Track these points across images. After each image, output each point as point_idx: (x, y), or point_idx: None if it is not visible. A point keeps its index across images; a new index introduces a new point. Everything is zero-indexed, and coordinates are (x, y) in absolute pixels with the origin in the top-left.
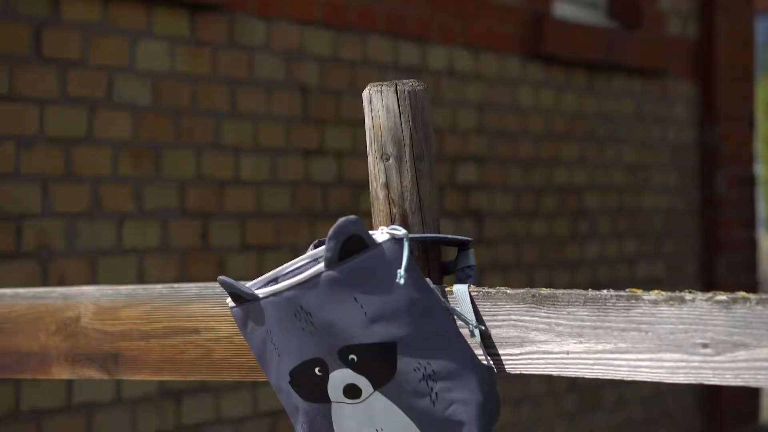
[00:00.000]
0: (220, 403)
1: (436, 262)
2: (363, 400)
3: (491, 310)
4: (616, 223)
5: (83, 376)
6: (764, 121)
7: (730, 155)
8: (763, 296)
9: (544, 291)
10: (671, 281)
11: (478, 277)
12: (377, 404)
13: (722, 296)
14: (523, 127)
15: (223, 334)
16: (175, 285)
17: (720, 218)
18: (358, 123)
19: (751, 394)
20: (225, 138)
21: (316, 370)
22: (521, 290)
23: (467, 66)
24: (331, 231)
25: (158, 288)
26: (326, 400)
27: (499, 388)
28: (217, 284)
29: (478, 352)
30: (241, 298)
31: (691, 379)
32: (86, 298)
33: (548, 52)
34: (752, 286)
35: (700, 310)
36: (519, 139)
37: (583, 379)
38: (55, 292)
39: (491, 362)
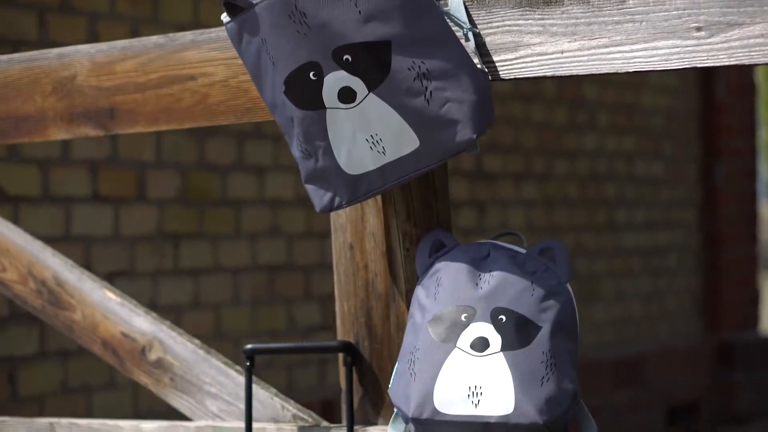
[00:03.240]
0: (217, 251)
1: None
2: (357, 104)
3: (485, 18)
4: (615, 117)
5: (79, 134)
6: (766, 84)
7: None
8: None
9: None
10: (671, 183)
11: None
12: (371, 107)
13: None
14: None
15: (219, 78)
16: (171, 35)
17: (720, 124)
18: None
19: (751, 301)
20: None
21: (311, 74)
22: None
23: None
24: None
25: (153, 39)
26: (321, 106)
27: None
28: (212, 29)
29: (474, 60)
30: (237, 8)
31: (685, 64)
32: (81, 55)
33: None
34: (752, 196)
35: None
36: None
37: (581, 268)
38: (51, 53)
39: (486, 69)
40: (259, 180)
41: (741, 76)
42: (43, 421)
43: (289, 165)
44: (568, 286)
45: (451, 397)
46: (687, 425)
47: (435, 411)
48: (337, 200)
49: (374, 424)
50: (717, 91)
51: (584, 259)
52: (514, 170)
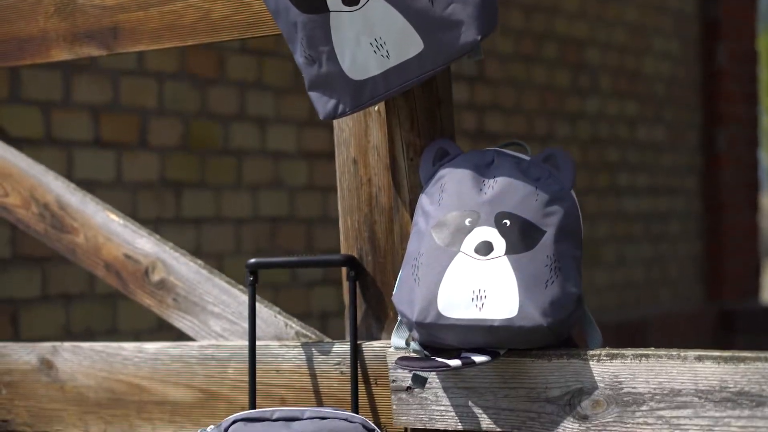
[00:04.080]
0: (220, 201)
1: None
2: (361, 6)
3: None
4: (617, 82)
5: (83, 54)
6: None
7: (731, 28)
8: None
9: None
10: (673, 149)
11: None
12: (375, 9)
13: None
14: None
15: None
16: None
17: (721, 91)
18: None
19: (752, 270)
20: None
21: None
22: None
23: None
24: None
25: None
26: (324, 9)
27: None
28: None
29: None
30: None
31: None
32: None
33: None
34: (753, 164)
35: None
36: None
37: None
38: None
39: None
40: (261, 131)
41: (742, 43)
42: (46, 344)
43: (290, 117)
44: (573, 193)
45: (455, 301)
46: None
47: (439, 315)
48: (341, 107)
49: (378, 338)
50: (718, 58)
51: (586, 222)
52: (516, 132)
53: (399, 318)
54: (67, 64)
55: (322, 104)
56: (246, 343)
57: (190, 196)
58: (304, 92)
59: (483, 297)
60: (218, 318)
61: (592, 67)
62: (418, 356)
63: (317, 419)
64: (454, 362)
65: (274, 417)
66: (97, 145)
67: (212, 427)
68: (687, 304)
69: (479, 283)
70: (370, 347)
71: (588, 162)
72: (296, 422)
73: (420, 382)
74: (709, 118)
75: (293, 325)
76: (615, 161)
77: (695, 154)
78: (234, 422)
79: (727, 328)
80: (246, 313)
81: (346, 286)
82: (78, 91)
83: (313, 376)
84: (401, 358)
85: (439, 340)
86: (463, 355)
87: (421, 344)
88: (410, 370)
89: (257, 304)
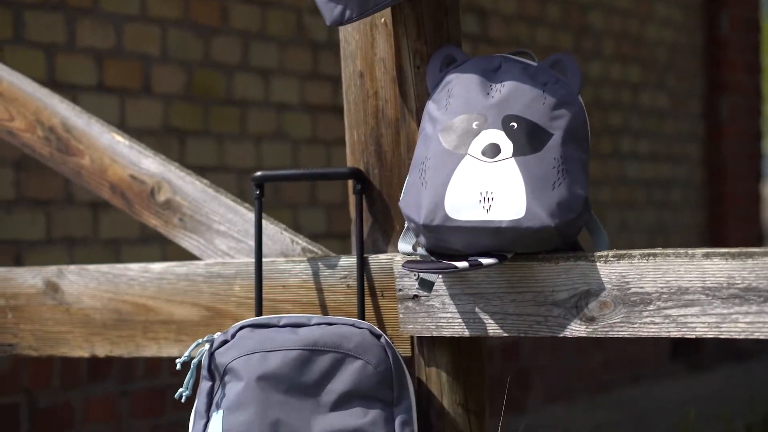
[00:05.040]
0: (223, 151)
1: None
2: None
3: None
4: (620, 46)
5: None
6: None
7: None
8: None
9: None
10: (675, 116)
11: None
12: None
13: None
14: None
15: None
16: None
17: (723, 59)
18: None
19: (754, 239)
20: None
21: None
22: None
23: None
24: None
25: None
26: None
27: None
28: None
29: None
30: None
31: None
32: None
33: None
34: (755, 134)
35: None
36: None
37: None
38: None
39: None
40: (265, 83)
41: (744, 11)
42: (52, 267)
43: (294, 70)
44: (580, 98)
45: (462, 203)
46: (689, 360)
47: (446, 217)
48: (347, 12)
49: (384, 252)
50: (721, 27)
51: (588, 186)
52: None
53: (406, 224)
54: (70, 8)
55: (329, 10)
56: (252, 260)
57: (194, 144)
58: (308, 45)
59: (490, 199)
60: (224, 236)
61: (596, 30)
62: (425, 260)
63: (324, 325)
64: (462, 264)
65: (281, 323)
66: (100, 90)
67: (219, 333)
68: None
69: (486, 185)
70: (377, 260)
71: (591, 125)
72: (303, 328)
73: (427, 286)
74: (711, 86)
75: (299, 242)
76: (617, 126)
77: (698, 122)
78: (241, 328)
79: None
80: (252, 230)
81: (352, 200)
82: (81, 35)
83: (320, 290)
84: (408, 262)
85: (446, 244)
86: (470, 258)
87: (428, 250)
88: (417, 274)
89: (263, 221)
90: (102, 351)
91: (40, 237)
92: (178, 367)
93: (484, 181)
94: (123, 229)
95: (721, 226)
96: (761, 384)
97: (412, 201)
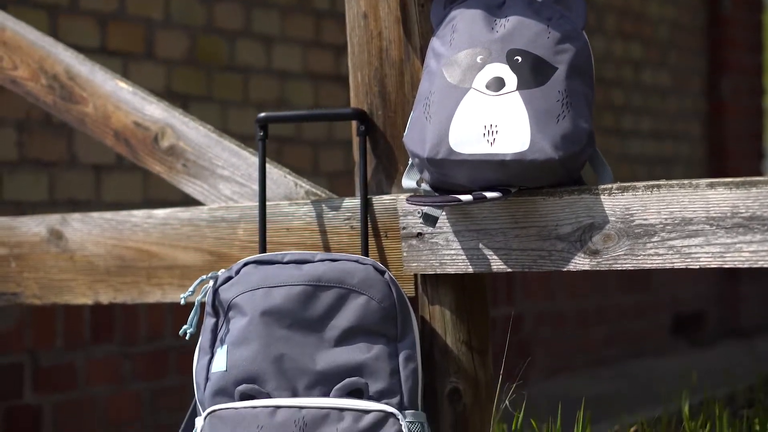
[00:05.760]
0: (226, 117)
1: None
2: None
3: None
4: (622, 22)
5: None
6: None
7: None
8: None
9: None
10: (677, 94)
11: None
12: None
13: None
14: None
15: None
16: None
17: (725, 38)
18: None
19: (755, 137)
20: None
21: None
22: None
23: None
24: None
25: None
26: None
27: None
28: None
29: None
30: None
31: None
32: None
33: None
34: (757, 113)
35: None
36: None
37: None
38: None
39: None
40: (267, 50)
41: None
42: (55, 215)
43: (296, 38)
44: (584, 33)
45: (466, 136)
46: (691, 335)
47: (450, 150)
48: None
49: (388, 193)
50: (723, 5)
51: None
52: None
53: (410, 161)
54: None
55: None
56: (255, 203)
57: (197, 109)
58: (310, 13)
59: (494, 132)
60: (228, 181)
61: (598, 5)
62: (429, 195)
63: (328, 261)
64: (466, 197)
65: (285, 260)
66: (103, 53)
67: (223, 270)
68: None
69: (491, 118)
70: (380, 200)
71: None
72: (307, 264)
73: (431, 221)
74: (713, 64)
75: (303, 185)
76: (620, 103)
77: (699, 100)
78: (245, 264)
79: (732, 275)
80: (255, 174)
81: (356, 141)
82: None
83: (324, 232)
84: (412, 197)
85: (450, 178)
86: (475, 192)
87: (432, 186)
88: (421, 207)
89: (267, 165)
90: (106, 298)
91: (42, 198)
92: (182, 302)
93: (488, 115)
94: (126, 193)
95: None
96: (764, 362)
97: (416, 136)
